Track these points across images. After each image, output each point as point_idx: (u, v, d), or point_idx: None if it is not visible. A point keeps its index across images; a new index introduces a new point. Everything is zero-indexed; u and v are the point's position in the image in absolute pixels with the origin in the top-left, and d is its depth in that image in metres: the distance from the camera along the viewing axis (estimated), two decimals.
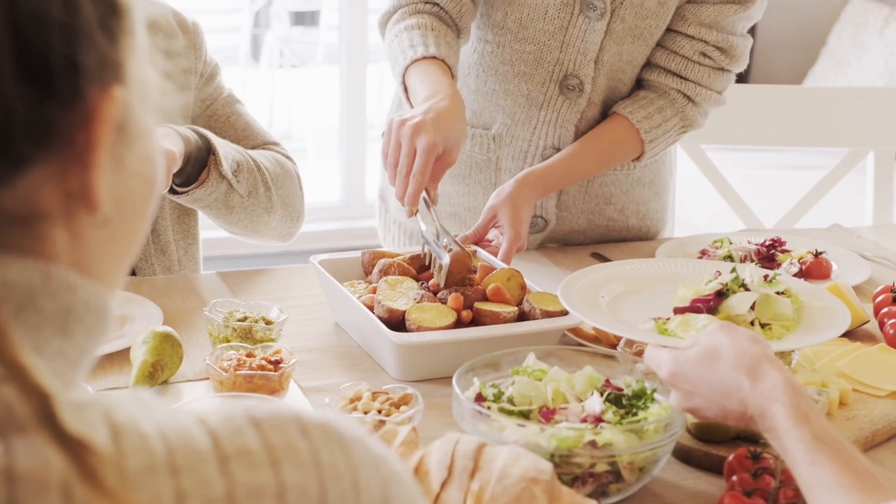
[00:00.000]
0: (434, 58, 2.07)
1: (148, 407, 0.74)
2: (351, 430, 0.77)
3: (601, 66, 2.22)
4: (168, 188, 2.03)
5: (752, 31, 5.39)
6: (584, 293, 1.72)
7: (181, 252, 2.27)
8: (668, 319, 1.61)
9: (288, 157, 2.29)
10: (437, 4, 2.16)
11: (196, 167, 2.05)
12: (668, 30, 2.24)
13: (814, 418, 1.30)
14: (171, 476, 0.69)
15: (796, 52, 5.44)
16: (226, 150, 2.08)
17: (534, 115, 2.26)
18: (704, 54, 2.23)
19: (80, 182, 0.75)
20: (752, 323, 1.61)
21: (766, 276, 1.69)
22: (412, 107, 2.07)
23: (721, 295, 1.63)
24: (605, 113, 2.29)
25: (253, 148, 2.26)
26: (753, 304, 1.62)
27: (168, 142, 1.95)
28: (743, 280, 1.65)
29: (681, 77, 2.25)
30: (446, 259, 1.88)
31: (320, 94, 6.82)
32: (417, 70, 2.08)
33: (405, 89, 2.10)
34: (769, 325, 1.62)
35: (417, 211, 1.95)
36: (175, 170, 1.96)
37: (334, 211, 5.70)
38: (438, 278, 1.87)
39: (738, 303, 1.61)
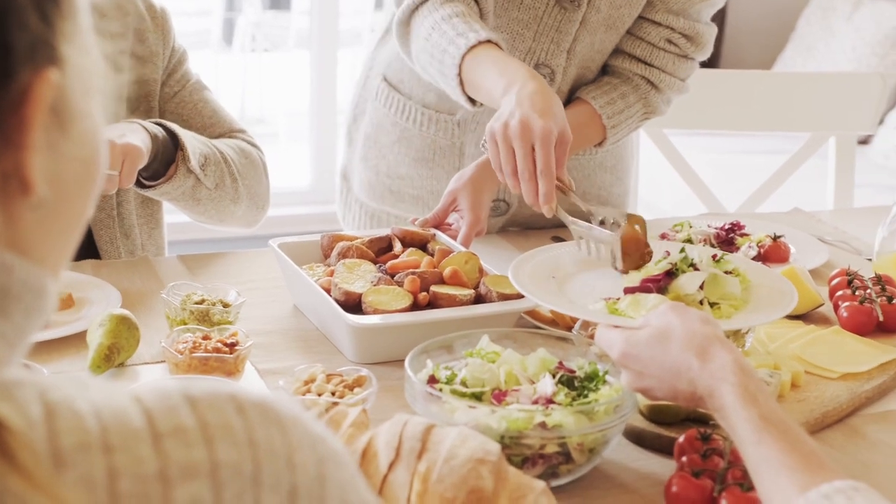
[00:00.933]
0: (488, 41, 2.00)
1: (84, 386, 0.74)
2: (288, 409, 0.77)
3: (573, 56, 2.23)
4: (135, 182, 2.03)
5: (721, 16, 5.43)
6: (535, 274, 1.73)
7: (145, 236, 2.27)
8: (618, 299, 1.62)
9: (254, 145, 2.30)
10: None
11: (163, 162, 2.06)
12: (636, 16, 2.24)
13: (762, 399, 1.31)
14: (104, 454, 0.70)
15: (766, 38, 5.46)
16: (193, 144, 2.09)
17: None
18: (670, 41, 2.24)
19: (12, 163, 0.75)
20: (700, 302, 1.62)
21: (714, 256, 1.71)
22: (469, 99, 2.03)
23: (670, 275, 1.64)
24: (570, 98, 2.30)
25: (220, 135, 2.27)
26: (702, 283, 1.63)
27: (134, 137, 1.97)
28: (692, 260, 1.66)
29: (645, 63, 2.26)
30: (616, 238, 1.77)
31: (292, 78, 6.80)
32: (477, 59, 1.99)
33: (461, 82, 2.01)
34: (718, 304, 1.63)
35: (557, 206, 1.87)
36: (141, 165, 1.98)
37: (305, 195, 5.70)
38: (616, 262, 1.77)
39: (687, 282, 1.63)
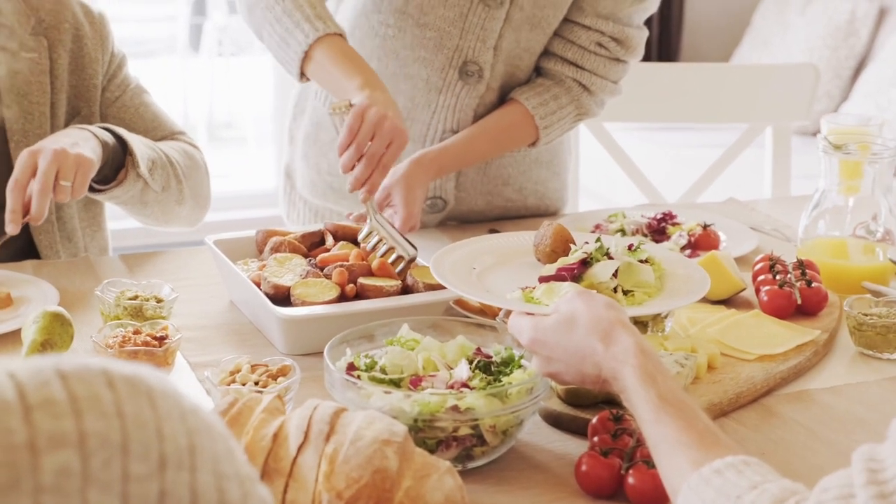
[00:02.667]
0: (337, 34, 2.10)
1: None
2: (160, 382, 0.80)
3: (500, 53, 2.27)
4: None
5: (679, 11, 5.47)
6: (457, 265, 1.77)
7: (87, 239, 2.31)
8: (534, 288, 1.66)
9: (195, 147, 2.34)
10: None
11: (112, 167, 2.10)
12: (566, 20, 2.29)
13: (660, 380, 1.35)
14: None
15: (722, 33, 5.51)
16: (141, 149, 2.13)
17: (433, 100, 2.30)
18: (600, 45, 2.28)
19: None
20: (615, 290, 1.66)
21: (630, 246, 1.75)
22: (302, 75, 2.13)
23: (585, 264, 1.68)
24: (503, 98, 2.34)
25: (162, 138, 2.30)
26: (616, 271, 1.67)
27: (86, 146, 2.01)
28: (607, 249, 1.70)
29: (577, 66, 2.30)
30: (409, 252, 1.93)
31: (259, 82, 6.83)
32: (331, 46, 2.08)
33: (304, 58, 2.10)
34: (632, 291, 1.67)
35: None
36: (92, 175, 2.01)
37: (273, 198, 5.73)
38: (399, 269, 1.92)
39: (601, 270, 1.67)
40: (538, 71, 2.35)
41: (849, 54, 4.95)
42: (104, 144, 2.06)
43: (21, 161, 1.96)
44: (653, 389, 1.34)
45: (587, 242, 1.74)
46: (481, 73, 2.27)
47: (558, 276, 1.67)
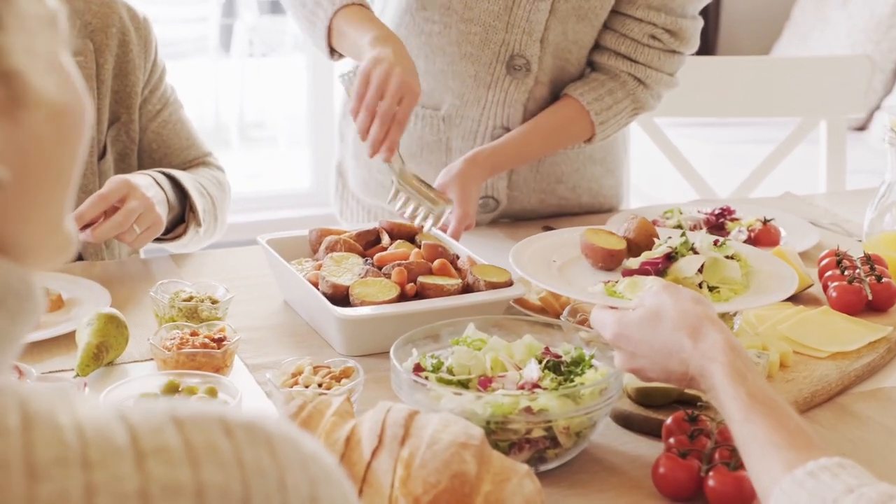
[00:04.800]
0: (357, 4, 2.10)
1: (68, 398, 0.72)
2: (278, 428, 0.76)
3: (547, 46, 2.23)
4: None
5: (717, 5, 5.42)
6: (535, 258, 1.74)
7: (124, 255, 2.28)
8: (616, 282, 1.63)
9: (222, 171, 2.36)
10: None
11: (171, 219, 2.12)
12: (617, 12, 2.24)
13: (751, 378, 1.31)
14: (83, 470, 0.68)
15: (761, 27, 5.45)
16: (200, 203, 2.15)
17: (482, 96, 2.26)
18: (654, 37, 2.23)
19: None
20: (700, 286, 1.62)
21: (715, 241, 1.71)
22: (332, 51, 2.12)
23: (670, 258, 1.64)
24: (555, 94, 2.29)
25: (195, 158, 2.31)
26: (702, 267, 1.63)
27: (161, 208, 2.03)
28: (692, 244, 1.66)
29: (631, 60, 2.25)
30: (438, 206, 1.95)
31: (290, 82, 6.81)
32: (349, 15, 2.08)
33: (329, 32, 2.10)
34: (717, 288, 1.63)
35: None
36: (157, 236, 2.05)
37: (305, 198, 5.70)
38: (427, 224, 1.96)
39: (686, 265, 1.63)
40: (591, 66, 2.30)
41: (892, 47, 4.89)
42: (168, 205, 2.09)
43: (114, 184, 1.98)
44: (742, 387, 1.29)
45: (670, 237, 1.70)
46: (529, 67, 2.23)
47: (642, 270, 1.63)
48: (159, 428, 0.71)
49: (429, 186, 1.99)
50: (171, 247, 2.22)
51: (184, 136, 2.30)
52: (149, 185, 2.04)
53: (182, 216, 2.16)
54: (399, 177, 1.97)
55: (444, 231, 2.05)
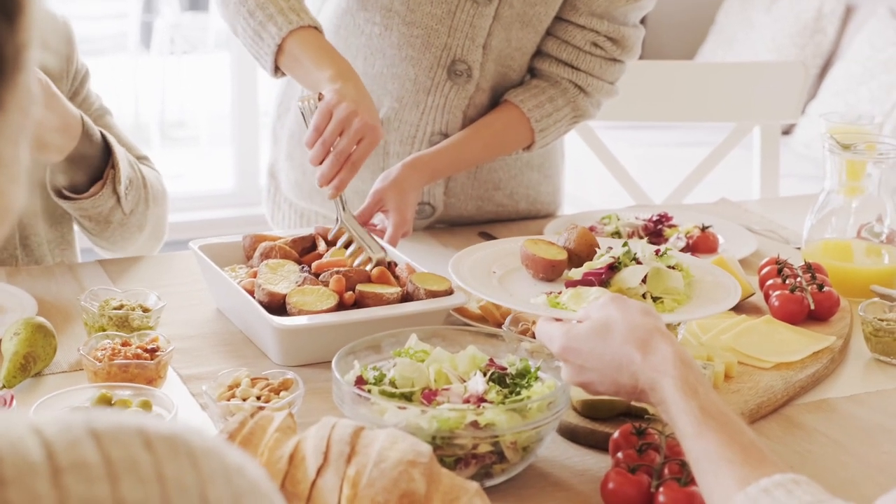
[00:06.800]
0: (312, 27, 2.03)
1: None
2: (200, 440, 0.73)
3: (489, 52, 2.19)
4: (55, 192, 1.98)
5: None
6: (475, 268, 1.71)
7: (56, 259, 2.18)
8: (559, 293, 1.60)
9: (159, 174, 2.21)
10: None
11: (87, 171, 1.97)
12: (560, 19, 2.21)
13: (702, 392, 1.29)
14: None
15: (686, 31, 5.47)
16: (123, 165, 1.99)
17: (421, 100, 2.22)
18: (596, 44, 2.21)
19: None
20: (643, 296, 1.60)
21: (657, 251, 1.69)
22: (276, 69, 2.06)
23: (613, 268, 1.62)
24: (495, 100, 2.26)
25: None
26: (645, 277, 1.61)
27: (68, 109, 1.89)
28: (635, 254, 1.64)
29: (572, 67, 2.23)
30: (377, 253, 1.88)
31: (212, 80, 6.73)
32: (306, 39, 2.01)
33: (278, 51, 2.02)
34: (661, 298, 1.61)
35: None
36: (65, 152, 1.89)
37: (228, 198, 5.64)
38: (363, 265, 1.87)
39: (629, 276, 1.61)
40: (532, 72, 2.27)
41: (815, 52, 4.92)
42: (91, 138, 1.93)
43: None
44: (694, 401, 1.27)
45: (611, 247, 1.68)
46: (470, 73, 2.19)
47: (586, 281, 1.60)
48: (76, 442, 0.68)
49: (368, 232, 1.94)
50: (94, 221, 2.03)
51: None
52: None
53: (101, 176, 2.00)
54: (341, 215, 1.94)
55: (381, 237, 2.02)
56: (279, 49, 2.03)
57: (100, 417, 0.71)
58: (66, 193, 1.98)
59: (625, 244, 1.67)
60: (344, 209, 1.94)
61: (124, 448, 0.69)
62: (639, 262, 1.63)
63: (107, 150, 1.98)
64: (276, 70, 2.07)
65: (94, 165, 1.97)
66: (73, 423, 0.70)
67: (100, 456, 0.68)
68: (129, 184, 2.01)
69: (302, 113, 1.95)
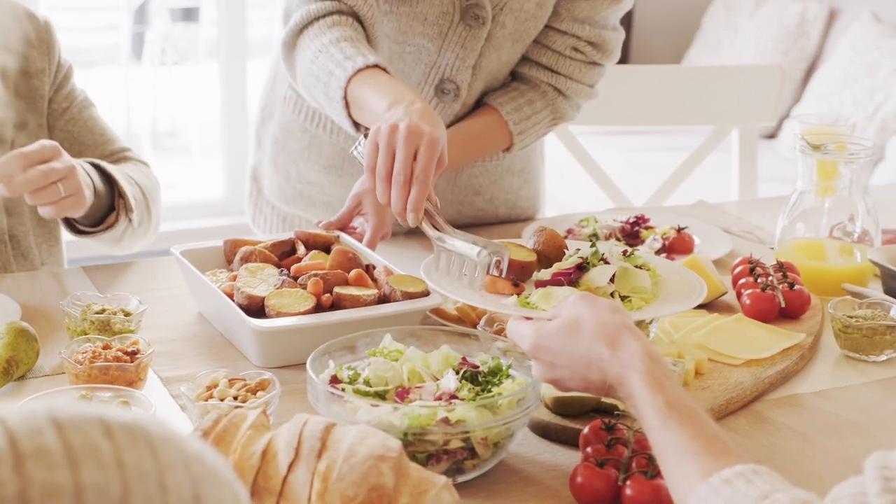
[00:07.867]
0: (376, 66, 1.93)
1: None
2: (160, 429, 0.76)
3: (479, 72, 2.21)
4: (70, 227, 2.09)
5: (628, 15, 5.45)
6: (447, 271, 1.73)
7: (44, 255, 2.23)
8: (530, 294, 1.63)
9: (147, 165, 2.28)
10: (355, 15, 2.05)
11: (98, 208, 2.06)
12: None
13: (668, 386, 1.31)
14: None
15: (672, 36, 5.51)
16: (129, 189, 2.08)
17: None
18: (576, 49, 2.23)
19: None
20: (612, 295, 1.63)
21: (625, 252, 1.72)
22: (353, 123, 1.96)
23: (581, 268, 1.65)
24: (477, 105, 2.28)
25: (111, 153, 2.24)
26: (613, 276, 1.64)
27: (87, 190, 1.96)
28: (602, 254, 1.67)
29: (552, 71, 2.24)
30: (483, 256, 1.68)
31: (203, 90, 6.76)
32: (363, 82, 1.91)
33: (346, 104, 1.94)
34: (629, 297, 1.64)
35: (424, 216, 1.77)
36: (78, 214, 1.97)
37: (219, 207, 5.66)
38: (476, 280, 1.69)
39: (598, 275, 1.64)
40: (512, 75, 2.29)
41: (799, 56, 4.96)
42: (97, 192, 2.02)
43: (40, 145, 1.89)
44: (660, 395, 1.30)
45: (579, 248, 1.71)
46: (458, 92, 2.20)
47: (555, 281, 1.63)
48: (38, 430, 0.71)
49: (468, 235, 1.76)
50: (107, 241, 2.13)
51: (97, 133, 2.24)
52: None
53: (112, 205, 2.09)
54: (432, 236, 1.77)
55: (360, 241, 2.04)
56: (346, 104, 1.94)
57: (61, 407, 0.74)
58: (84, 229, 2.09)
59: (592, 245, 1.70)
60: (432, 227, 1.78)
61: (85, 436, 0.72)
62: (606, 262, 1.66)
63: (109, 180, 2.08)
64: (358, 126, 1.97)
65: (103, 203, 2.07)
66: (35, 413, 0.72)
67: (61, 443, 0.71)
68: (136, 201, 2.10)
69: (360, 161, 1.83)
